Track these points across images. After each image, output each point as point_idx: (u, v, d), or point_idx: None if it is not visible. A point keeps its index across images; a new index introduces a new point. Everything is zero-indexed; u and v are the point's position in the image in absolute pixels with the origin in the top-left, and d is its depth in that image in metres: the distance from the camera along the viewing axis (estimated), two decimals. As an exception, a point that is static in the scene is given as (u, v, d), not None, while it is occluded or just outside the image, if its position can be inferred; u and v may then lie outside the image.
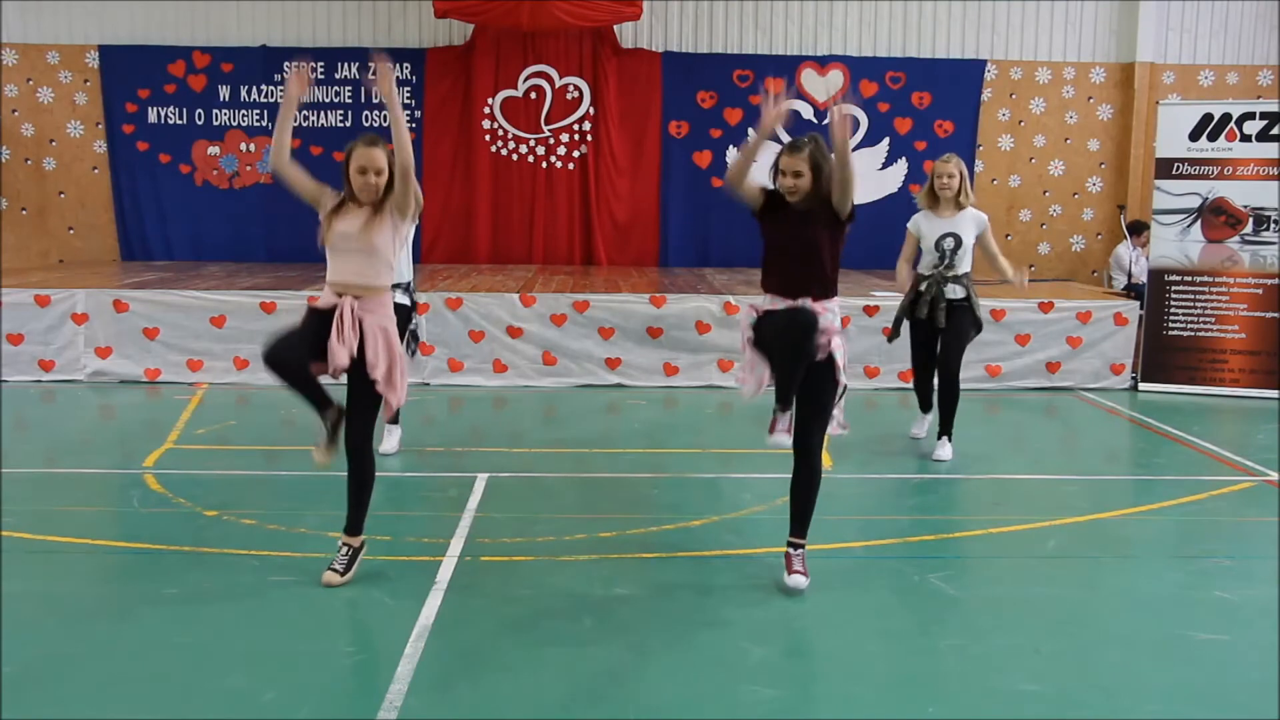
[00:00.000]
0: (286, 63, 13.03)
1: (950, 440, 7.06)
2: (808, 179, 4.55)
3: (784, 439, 4.66)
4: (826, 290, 4.67)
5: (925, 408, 7.39)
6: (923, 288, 6.92)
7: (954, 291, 6.88)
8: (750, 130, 13.20)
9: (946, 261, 6.86)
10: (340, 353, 4.53)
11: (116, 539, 5.36)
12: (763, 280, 4.78)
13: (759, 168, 4.70)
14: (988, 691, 3.77)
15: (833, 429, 4.81)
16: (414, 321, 6.83)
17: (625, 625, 4.32)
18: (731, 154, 13.35)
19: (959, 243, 6.83)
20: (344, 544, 4.76)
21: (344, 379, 4.70)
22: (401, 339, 5.13)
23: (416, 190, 4.72)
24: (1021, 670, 3.94)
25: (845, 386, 4.76)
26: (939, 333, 6.93)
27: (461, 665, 3.92)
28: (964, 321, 6.91)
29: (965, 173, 6.89)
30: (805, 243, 4.61)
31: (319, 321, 4.61)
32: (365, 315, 4.60)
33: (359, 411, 4.70)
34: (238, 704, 3.59)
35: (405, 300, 6.52)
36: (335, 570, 4.68)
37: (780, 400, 4.66)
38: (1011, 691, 3.77)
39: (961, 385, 6.94)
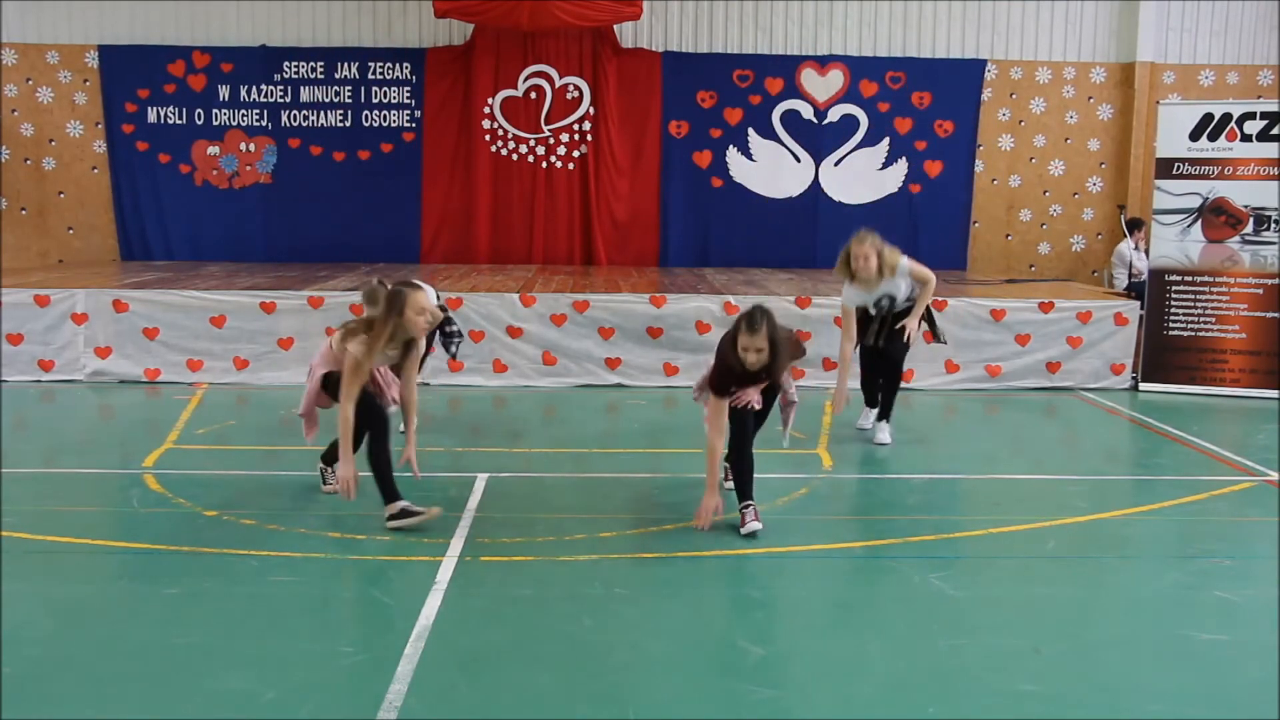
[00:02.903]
0: (286, 62, 13.06)
1: (889, 423, 7.42)
2: (767, 351, 5.21)
3: (757, 526, 5.33)
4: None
5: (871, 403, 7.73)
6: (872, 328, 7.31)
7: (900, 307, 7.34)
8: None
9: (886, 312, 7.26)
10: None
11: (116, 539, 5.36)
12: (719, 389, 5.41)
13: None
14: (988, 691, 3.77)
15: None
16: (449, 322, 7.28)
17: (625, 625, 4.32)
18: (732, 154, 13.37)
19: (893, 301, 7.24)
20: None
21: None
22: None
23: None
24: (1021, 670, 3.94)
25: (794, 404, 5.69)
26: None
27: (461, 665, 3.92)
28: (903, 315, 7.28)
29: (882, 247, 7.11)
30: (762, 389, 5.54)
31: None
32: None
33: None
34: (238, 704, 3.59)
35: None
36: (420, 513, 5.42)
37: (741, 497, 5.45)
38: (1011, 691, 3.77)
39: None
